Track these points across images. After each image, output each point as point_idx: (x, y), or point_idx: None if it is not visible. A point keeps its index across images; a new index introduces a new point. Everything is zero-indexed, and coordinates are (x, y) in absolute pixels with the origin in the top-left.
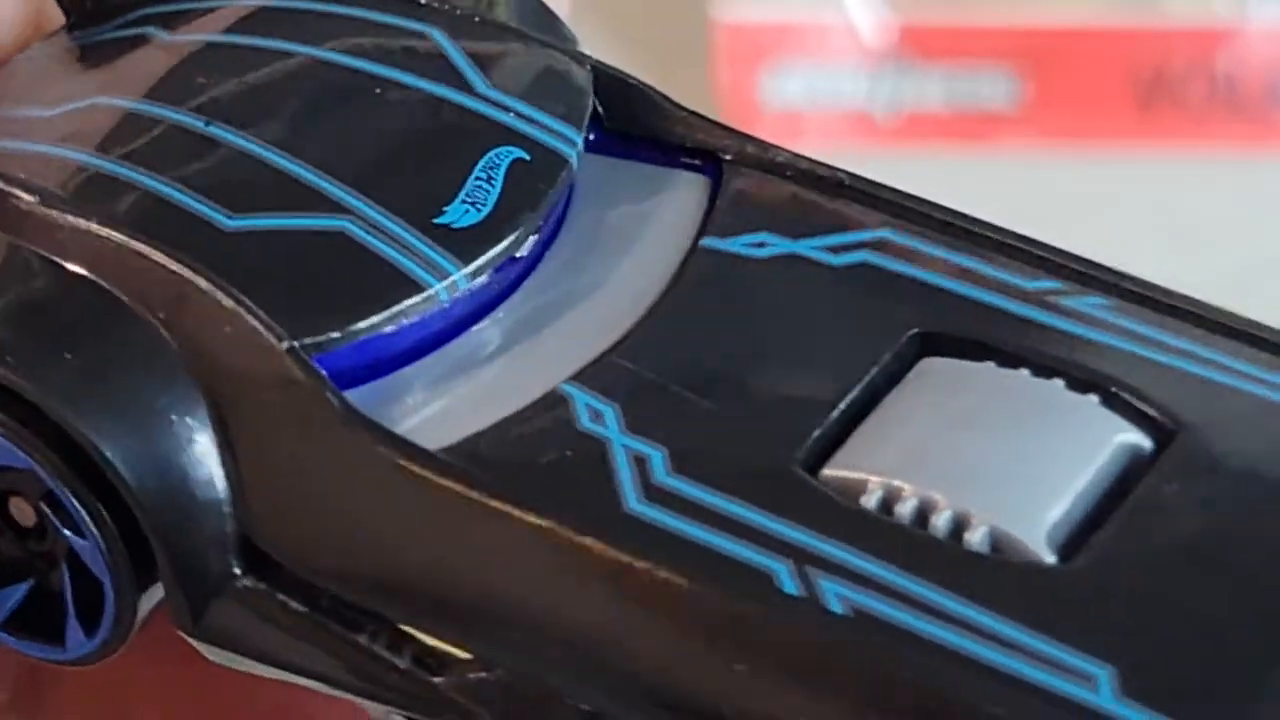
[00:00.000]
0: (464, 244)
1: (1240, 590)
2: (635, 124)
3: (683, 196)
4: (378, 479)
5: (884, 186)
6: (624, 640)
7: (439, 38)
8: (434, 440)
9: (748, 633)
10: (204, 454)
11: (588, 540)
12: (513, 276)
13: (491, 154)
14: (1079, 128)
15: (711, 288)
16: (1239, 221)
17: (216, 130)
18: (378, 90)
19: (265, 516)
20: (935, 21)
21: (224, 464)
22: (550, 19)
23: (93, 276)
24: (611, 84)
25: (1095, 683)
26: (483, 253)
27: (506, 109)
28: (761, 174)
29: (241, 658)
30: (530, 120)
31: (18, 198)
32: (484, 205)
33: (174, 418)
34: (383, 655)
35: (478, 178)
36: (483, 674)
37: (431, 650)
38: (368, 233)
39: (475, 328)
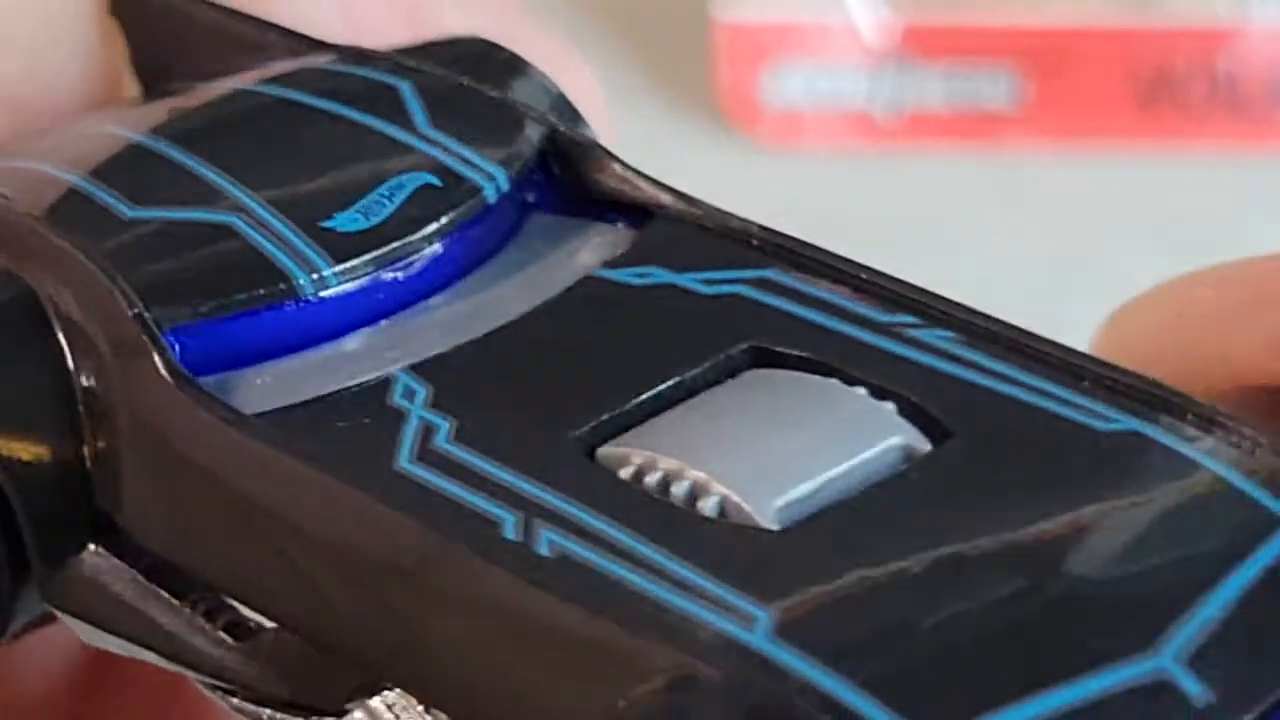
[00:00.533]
0: (343, 246)
1: (935, 577)
2: (585, 184)
3: (603, 242)
4: (195, 440)
5: (794, 239)
6: (380, 590)
7: (405, 89)
8: (253, 407)
9: (463, 573)
10: (62, 422)
11: (351, 493)
12: (400, 294)
13: (402, 177)
14: (1080, 128)
15: (578, 307)
16: (1239, 221)
17: (142, 138)
18: (313, 118)
19: (110, 483)
20: (936, 21)
21: (80, 433)
22: (572, 113)
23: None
24: (573, 148)
25: (753, 622)
26: (359, 255)
27: (436, 144)
28: (679, 222)
29: (103, 634)
30: (457, 156)
31: None
32: (374, 216)
33: (39, 384)
34: (200, 624)
35: (379, 194)
36: (281, 639)
37: (243, 619)
38: (253, 228)
39: (348, 335)
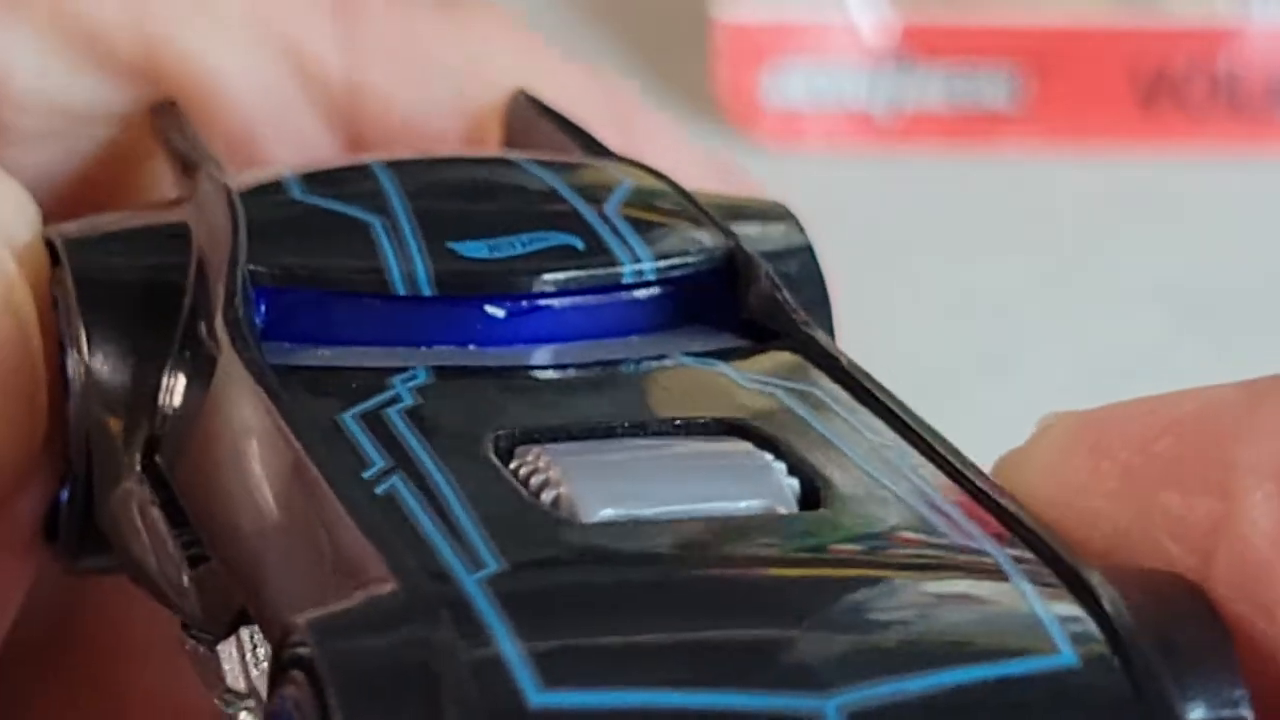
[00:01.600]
0: (452, 266)
1: (678, 593)
2: (740, 305)
3: (711, 343)
4: (221, 384)
5: (867, 376)
6: (250, 503)
7: (625, 184)
8: (281, 363)
9: (318, 496)
10: (160, 350)
11: (273, 420)
12: (482, 327)
13: (551, 233)
14: (1080, 128)
15: (619, 367)
16: (1239, 221)
17: (372, 160)
18: (519, 176)
19: (165, 412)
20: (936, 21)
21: (165, 363)
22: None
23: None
24: (746, 268)
25: (480, 566)
26: (461, 278)
27: (608, 222)
28: (782, 346)
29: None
30: (618, 235)
31: None
32: (499, 252)
33: (161, 312)
34: (173, 551)
35: (519, 238)
36: (209, 568)
37: (205, 556)
38: (386, 230)
39: (413, 345)
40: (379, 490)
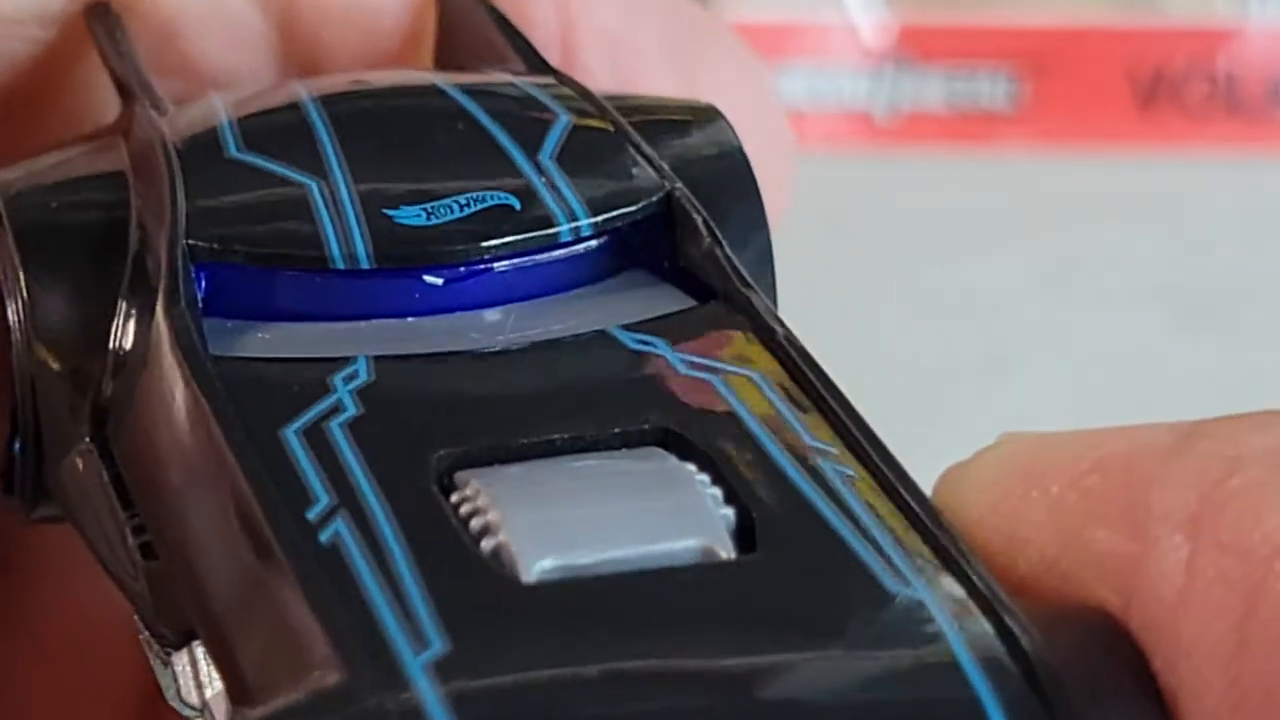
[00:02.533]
0: (390, 237)
1: (624, 663)
2: (677, 253)
3: (652, 304)
4: (158, 362)
5: (808, 358)
6: (198, 529)
7: (561, 120)
8: (224, 351)
9: (264, 543)
10: (104, 318)
11: (213, 437)
12: (423, 297)
13: (486, 191)
14: (1079, 128)
15: (556, 352)
16: (1239, 221)
17: (305, 97)
18: (453, 118)
19: (109, 385)
20: (935, 22)
21: (108, 332)
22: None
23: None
24: (684, 216)
25: (425, 648)
26: (398, 248)
27: (544, 173)
28: (725, 310)
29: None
30: (555, 190)
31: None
32: (436, 218)
33: (101, 282)
34: (126, 535)
35: (455, 200)
36: (164, 565)
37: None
38: (322, 197)
39: (356, 320)
40: (323, 538)
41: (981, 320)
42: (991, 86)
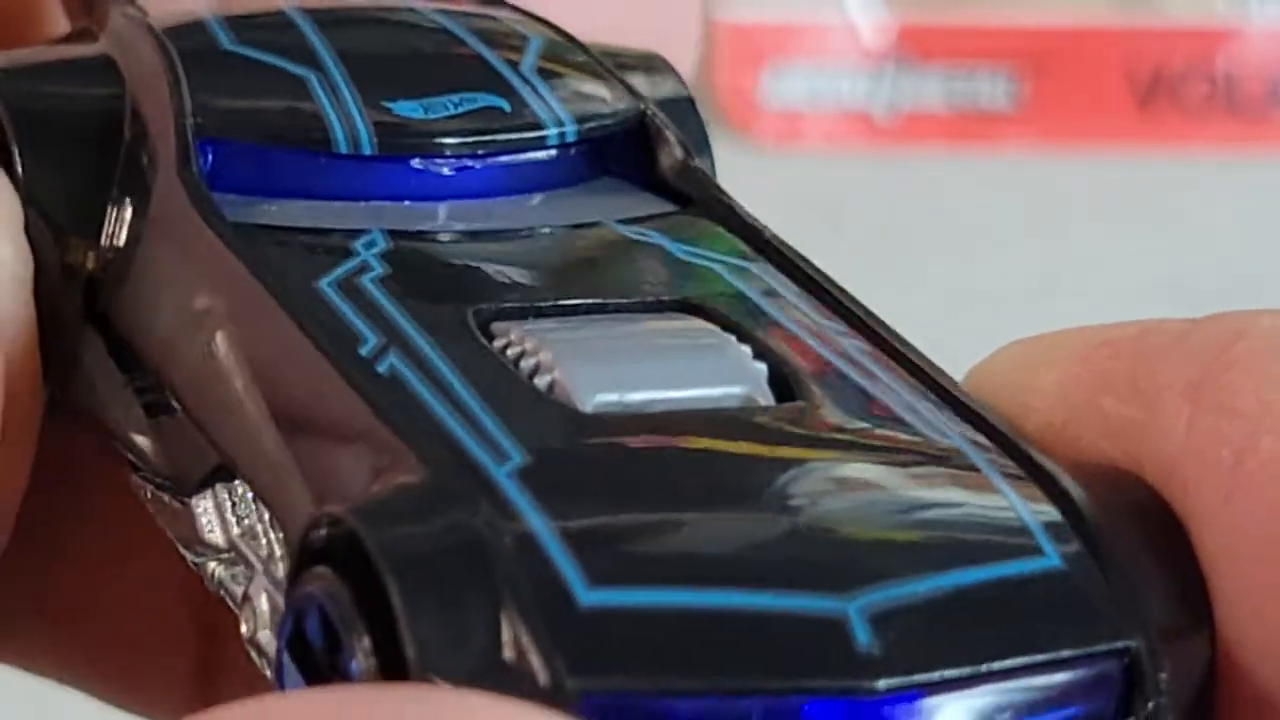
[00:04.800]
0: (390, 125)
1: (693, 486)
2: (653, 167)
3: (637, 208)
4: (173, 227)
5: (792, 250)
6: (242, 372)
7: (535, 41)
8: (239, 219)
9: (306, 365)
10: (101, 195)
11: (255, 285)
12: (423, 185)
13: (477, 93)
14: (1079, 128)
15: (564, 237)
16: (1238, 221)
17: (282, 4)
18: (436, 30)
19: (109, 256)
20: (935, 22)
21: (105, 208)
22: (687, 115)
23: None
24: (656, 132)
25: (505, 460)
26: (399, 137)
27: (527, 83)
28: (706, 212)
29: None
30: (539, 97)
31: None
32: (432, 113)
33: (99, 162)
34: (129, 396)
35: (449, 99)
36: (175, 420)
37: (164, 401)
38: (321, 86)
39: (360, 200)
40: (380, 369)
41: (981, 319)
42: (991, 86)
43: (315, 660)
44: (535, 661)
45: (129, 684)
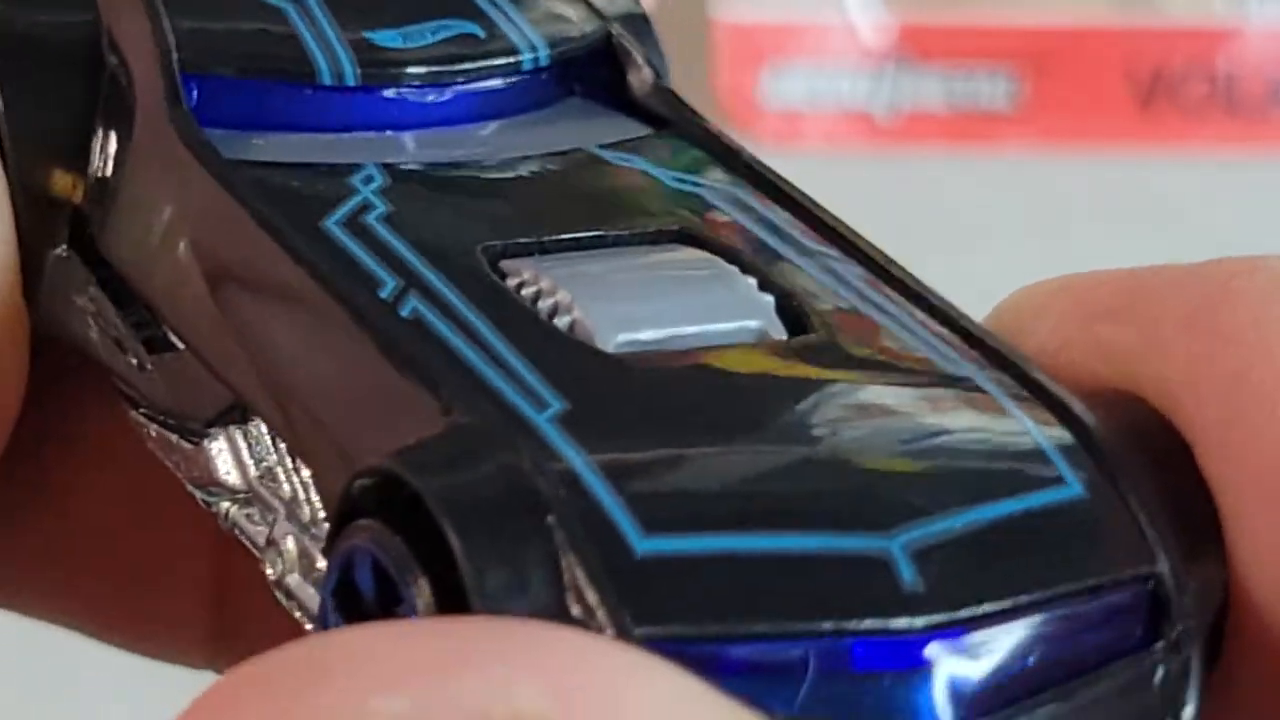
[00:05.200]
0: (371, 56)
1: (727, 422)
2: (623, 86)
3: (614, 131)
4: (166, 161)
5: (773, 171)
6: (258, 313)
7: None
8: (232, 156)
9: (326, 311)
10: (81, 127)
11: (262, 229)
12: (407, 114)
13: (453, 20)
14: (1079, 128)
15: (553, 164)
16: (1238, 221)
17: None
18: None
19: (94, 190)
20: (935, 22)
21: (89, 141)
22: (645, 34)
23: None
24: (624, 54)
25: (545, 407)
26: (381, 67)
27: (501, 10)
28: (684, 134)
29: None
30: (512, 23)
31: None
32: (412, 41)
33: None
34: (127, 334)
35: (426, 27)
36: (181, 357)
37: (163, 336)
38: (300, 17)
39: (347, 132)
40: (404, 313)
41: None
42: (991, 86)
43: (365, 611)
44: (600, 611)
45: (140, 629)
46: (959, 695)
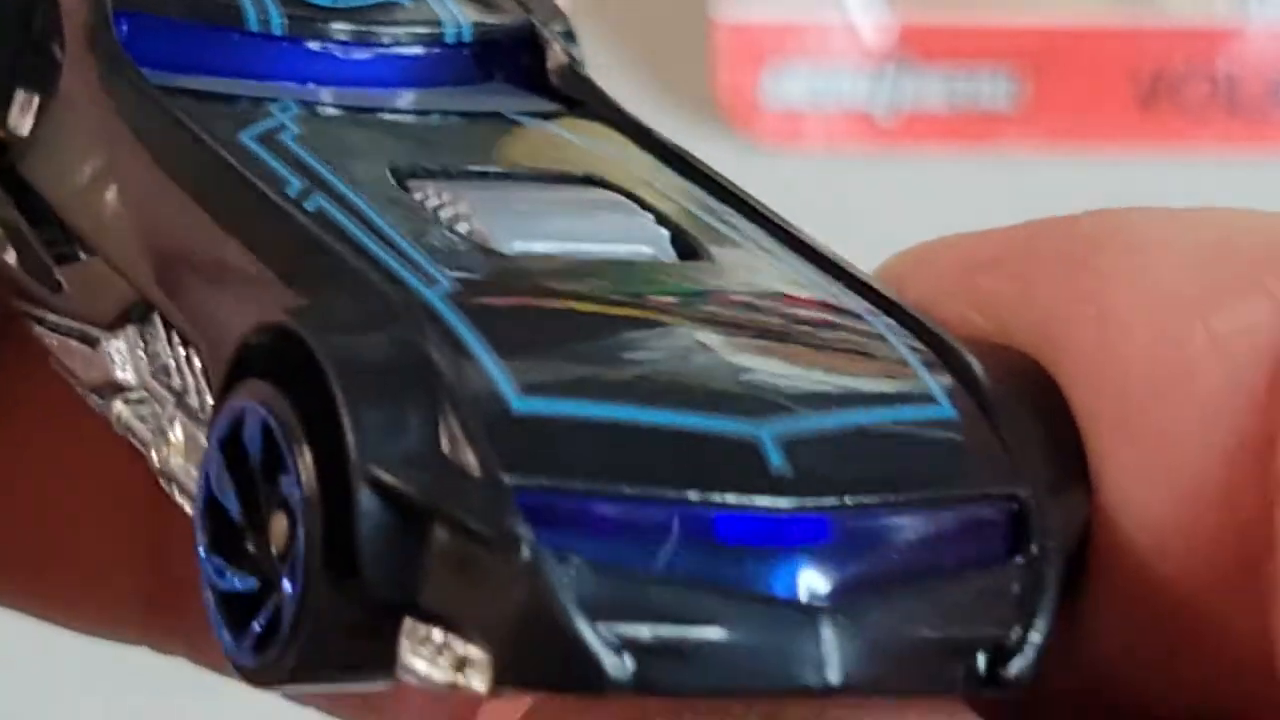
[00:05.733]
0: (301, 10)
1: (614, 314)
2: (543, 73)
3: (531, 107)
4: (90, 81)
5: (680, 149)
6: (165, 206)
7: None
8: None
9: (232, 198)
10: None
11: (179, 131)
12: (330, 69)
13: None
14: (1079, 128)
15: (467, 121)
16: None
17: None
18: None
19: (17, 114)
20: (935, 21)
21: (12, 72)
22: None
23: None
24: (546, 43)
25: (434, 284)
26: (309, 21)
27: None
28: (598, 113)
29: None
30: (441, 0)
31: None
32: (342, 2)
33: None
34: (37, 247)
35: None
36: (87, 264)
37: (74, 253)
38: None
39: (269, 79)
40: (309, 206)
41: None
42: (992, 86)
43: (248, 470)
44: (472, 458)
45: (71, 603)
46: (816, 578)
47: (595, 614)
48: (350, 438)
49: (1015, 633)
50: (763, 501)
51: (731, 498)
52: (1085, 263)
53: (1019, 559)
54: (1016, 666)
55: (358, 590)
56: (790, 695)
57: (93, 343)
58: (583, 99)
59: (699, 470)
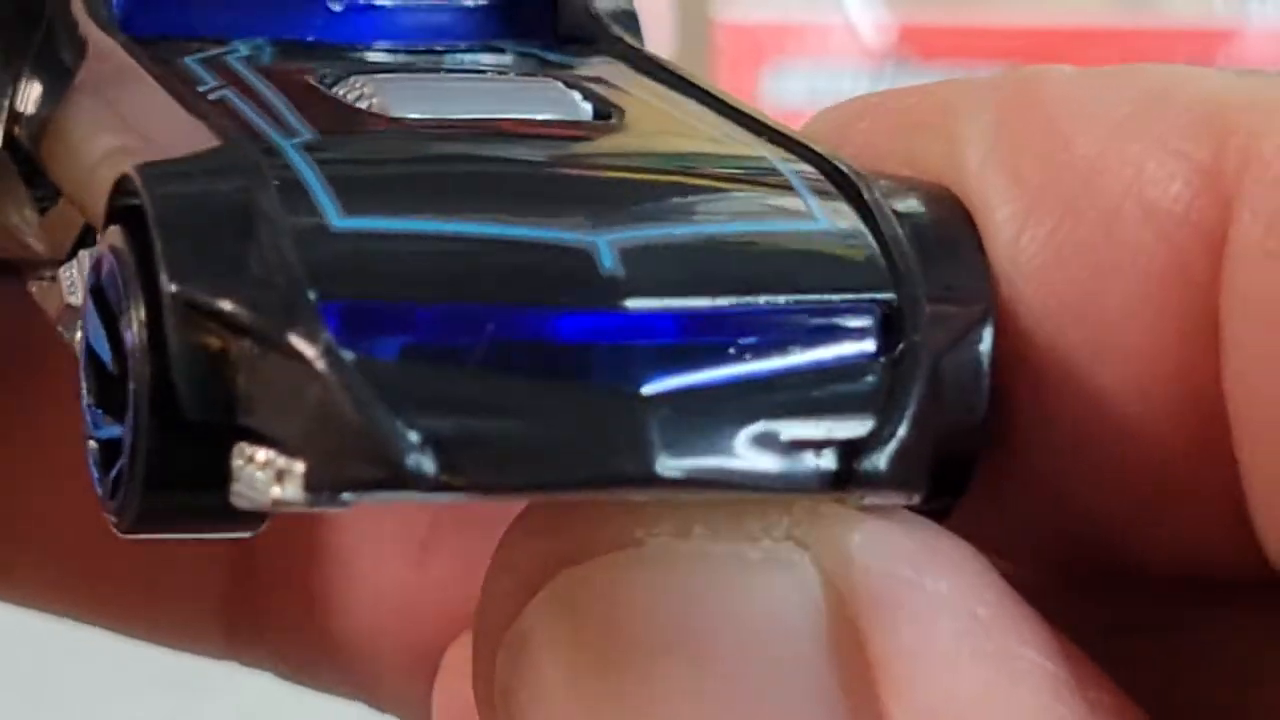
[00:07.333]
0: None
1: (477, 161)
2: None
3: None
4: (76, 35)
5: (656, 57)
6: (103, 126)
7: None
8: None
9: (158, 98)
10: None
11: (130, 65)
12: (331, 25)
13: None
14: None
15: (463, 55)
16: None
17: None
18: None
19: (24, 77)
20: (935, 21)
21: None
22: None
23: None
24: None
25: (294, 135)
26: None
27: None
28: (607, 50)
29: None
30: None
31: None
32: None
33: None
34: (25, 200)
35: None
36: (60, 208)
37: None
38: None
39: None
40: (211, 97)
41: None
42: None
43: (111, 310)
44: (280, 275)
45: (155, 613)
46: (636, 373)
47: (399, 412)
48: (161, 263)
49: (870, 430)
50: (592, 300)
51: (548, 295)
52: (1016, 122)
53: (881, 360)
54: (869, 462)
55: (189, 426)
56: (613, 488)
57: (55, 277)
58: (594, 38)
59: (523, 275)
